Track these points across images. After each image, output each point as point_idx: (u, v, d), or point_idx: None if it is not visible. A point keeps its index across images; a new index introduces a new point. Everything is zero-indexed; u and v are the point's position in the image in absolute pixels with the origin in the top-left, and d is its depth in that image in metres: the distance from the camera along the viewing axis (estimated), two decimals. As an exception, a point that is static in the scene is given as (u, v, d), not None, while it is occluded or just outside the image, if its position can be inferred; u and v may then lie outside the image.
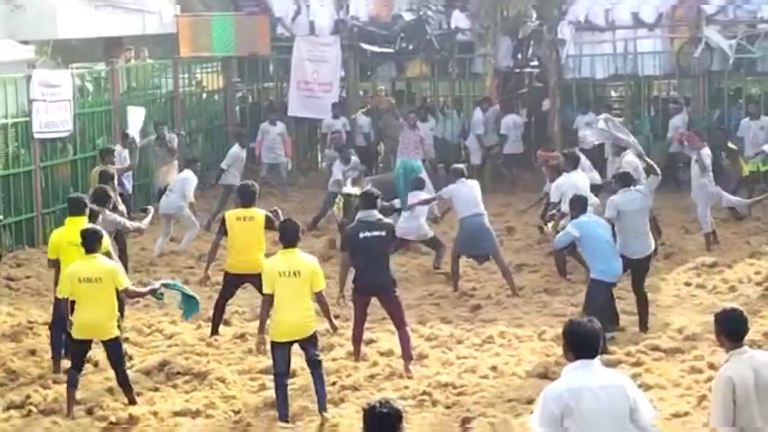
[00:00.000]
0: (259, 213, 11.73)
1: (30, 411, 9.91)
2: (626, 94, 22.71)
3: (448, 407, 9.85)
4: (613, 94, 23.90)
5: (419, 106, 22.08)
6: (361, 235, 10.62)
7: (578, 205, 11.65)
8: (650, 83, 22.44)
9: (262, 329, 9.67)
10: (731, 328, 6.56)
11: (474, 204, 13.71)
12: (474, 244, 13.79)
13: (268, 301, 9.46)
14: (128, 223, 12.47)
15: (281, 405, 9.49)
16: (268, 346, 9.62)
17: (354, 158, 17.82)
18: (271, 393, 10.25)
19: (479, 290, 13.94)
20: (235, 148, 18.79)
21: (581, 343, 5.95)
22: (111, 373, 10.85)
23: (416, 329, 11.95)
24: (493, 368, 10.88)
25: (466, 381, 10.37)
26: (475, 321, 12.55)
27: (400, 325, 10.81)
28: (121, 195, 17.09)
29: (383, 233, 10.67)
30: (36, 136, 17.09)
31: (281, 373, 9.49)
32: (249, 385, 10.61)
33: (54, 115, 17.37)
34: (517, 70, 22.75)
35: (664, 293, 13.36)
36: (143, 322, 12.70)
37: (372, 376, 10.75)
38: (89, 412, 9.89)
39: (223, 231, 11.93)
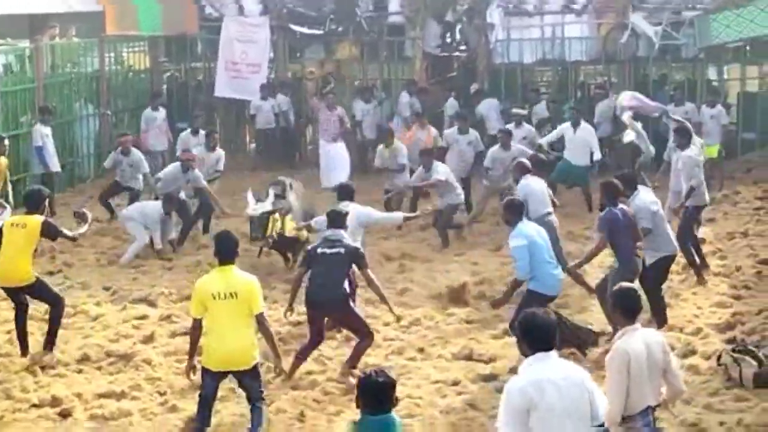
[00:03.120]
0: (34, 220, 10.61)
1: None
2: (553, 79, 22.93)
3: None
4: (540, 79, 24.07)
5: (364, 86, 22.07)
6: (319, 251, 10.22)
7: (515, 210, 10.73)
8: (577, 68, 22.66)
9: (192, 355, 8.68)
10: (627, 306, 6.72)
11: (546, 202, 13.08)
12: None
13: (197, 325, 8.50)
14: None
15: (199, 421, 8.56)
16: (199, 371, 8.64)
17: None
18: (197, 375, 10.14)
19: (407, 273, 13.99)
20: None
21: (538, 335, 5.92)
22: (33, 354, 10.74)
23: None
24: (420, 350, 10.95)
25: (393, 362, 10.40)
26: (402, 303, 12.57)
27: (361, 337, 10.25)
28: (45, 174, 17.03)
29: (341, 251, 10.14)
30: (-42, 113, 16.78)
31: (207, 395, 8.52)
32: (175, 366, 10.52)
33: (-24, 93, 17.06)
34: (446, 54, 22.80)
35: (591, 276, 13.49)
36: (67, 303, 12.51)
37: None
38: (9, 395, 9.75)
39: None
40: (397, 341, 11.19)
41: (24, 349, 10.76)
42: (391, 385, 5.77)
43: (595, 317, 11.62)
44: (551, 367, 5.89)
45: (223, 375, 8.52)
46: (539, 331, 5.93)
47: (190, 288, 12.94)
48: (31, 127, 17.91)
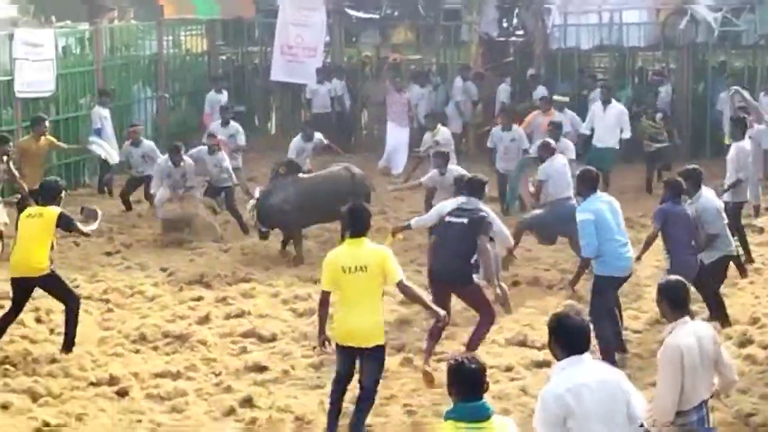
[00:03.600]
0: (51, 211, 10.32)
1: (7, 369, 9.88)
2: (611, 65, 22.72)
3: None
4: (598, 65, 23.86)
5: (419, 71, 22.05)
6: (447, 219, 9.87)
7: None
8: (635, 54, 22.43)
9: (322, 330, 8.29)
10: (675, 298, 6.64)
11: (567, 186, 13.00)
12: (562, 226, 12.52)
13: (326, 299, 8.17)
14: None
15: (332, 401, 8.35)
16: (333, 346, 8.31)
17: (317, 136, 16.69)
18: (251, 356, 10.32)
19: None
20: None
21: (571, 338, 5.76)
22: (89, 334, 10.87)
23: (397, 295, 12.01)
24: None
25: (447, 348, 10.33)
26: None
27: (481, 316, 9.88)
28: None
29: (465, 221, 9.69)
30: (18, 95, 17.00)
31: (339, 372, 8.30)
32: (230, 348, 10.63)
33: (36, 75, 17.28)
34: (502, 39, 22.69)
35: (644, 263, 13.38)
36: (125, 283, 12.70)
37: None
38: (67, 373, 9.88)
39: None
40: (450, 327, 11.11)
41: None
42: (482, 370, 5.56)
43: (650, 305, 11.55)
44: (586, 371, 5.72)
45: (353, 352, 8.15)
46: (572, 333, 5.76)
47: (244, 271, 13.15)
48: (90, 110, 18.13)
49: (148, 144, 16.70)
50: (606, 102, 17.11)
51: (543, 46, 21.35)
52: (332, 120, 21.70)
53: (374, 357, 8.15)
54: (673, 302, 6.65)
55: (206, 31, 23.68)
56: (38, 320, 11.27)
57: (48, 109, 17.92)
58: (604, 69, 23.27)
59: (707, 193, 10.98)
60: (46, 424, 8.66)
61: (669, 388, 6.39)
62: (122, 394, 9.44)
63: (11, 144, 13.04)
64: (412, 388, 9.60)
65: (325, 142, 16.78)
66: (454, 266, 9.67)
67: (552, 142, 13.88)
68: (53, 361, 10.14)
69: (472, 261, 9.70)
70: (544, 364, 9.98)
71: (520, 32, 22.49)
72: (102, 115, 17.65)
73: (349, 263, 7.99)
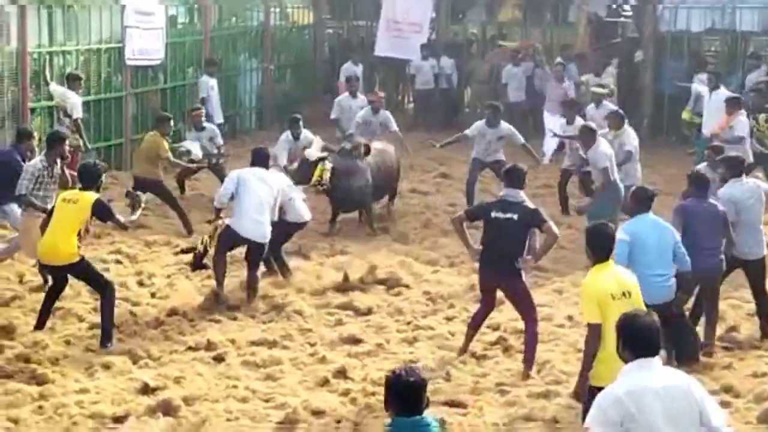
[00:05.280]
0: (87, 197, 9.85)
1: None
2: (722, 50, 22.21)
3: (520, 353, 9.84)
4: (708, 48, 23.33)
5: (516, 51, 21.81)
6: (492, 215, 9.34)
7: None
8: (747, 39, 21.89)
9: (585, 370, 7.39)
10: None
11: None
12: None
13: (597, 333, 7.22)
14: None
15: None
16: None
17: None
18: (346, 328, 10.38)
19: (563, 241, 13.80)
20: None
21: (641, 339, 5.41)
22: (189, 299, 11.05)
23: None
24: (569, 317, 10.80)
25: (542, 329, 10.06)
26: (555, 269, 12.46)
27: (525, 318, 9.50)
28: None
29: (515, 216, 9.23)
30: (128, 62, 17.28)
31: None
32: (326, 319, 10.71)
33: (146, 43, 17.53)
34: (611, 19, 22.36)
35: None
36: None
37: (448, 319, 10.81)
38: (166, 337, 10.08)
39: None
40: (546, 307, 11.07)
41: (40, 324, 10.10)
42: (421, 385, 5.25)
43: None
44: (653, 375, 5.37)
45: None
46: (641, 334, 5.43)
47: (342, 244, 13.19)
48: (197, 79, 18.38)
49: (210, 127, 15.89)
50: (714, 89, 16.41)
51: (652, 28, 20.96)
52: (435, 97, 21.70)
53: None
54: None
55: (313, 4, 23.81)
56: (140, 284, 11.50)
57: (156, 77, 18.23)
58: (714, 53, 22.77)
59: (733, 186, 10.30)
60: (145, 385, 8.83)
61: None
62: (219, 359, 9.59)
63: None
64: (506, 367, 9.56)
65: (394, 128, 16.23)
66: (502, 266, 9.29)
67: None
68: (154, 324, 10.34)
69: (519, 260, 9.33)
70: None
71: (629, 13, 22.15)
72: (209, 84, 17.89)
73: (616, 290, 7.29)
